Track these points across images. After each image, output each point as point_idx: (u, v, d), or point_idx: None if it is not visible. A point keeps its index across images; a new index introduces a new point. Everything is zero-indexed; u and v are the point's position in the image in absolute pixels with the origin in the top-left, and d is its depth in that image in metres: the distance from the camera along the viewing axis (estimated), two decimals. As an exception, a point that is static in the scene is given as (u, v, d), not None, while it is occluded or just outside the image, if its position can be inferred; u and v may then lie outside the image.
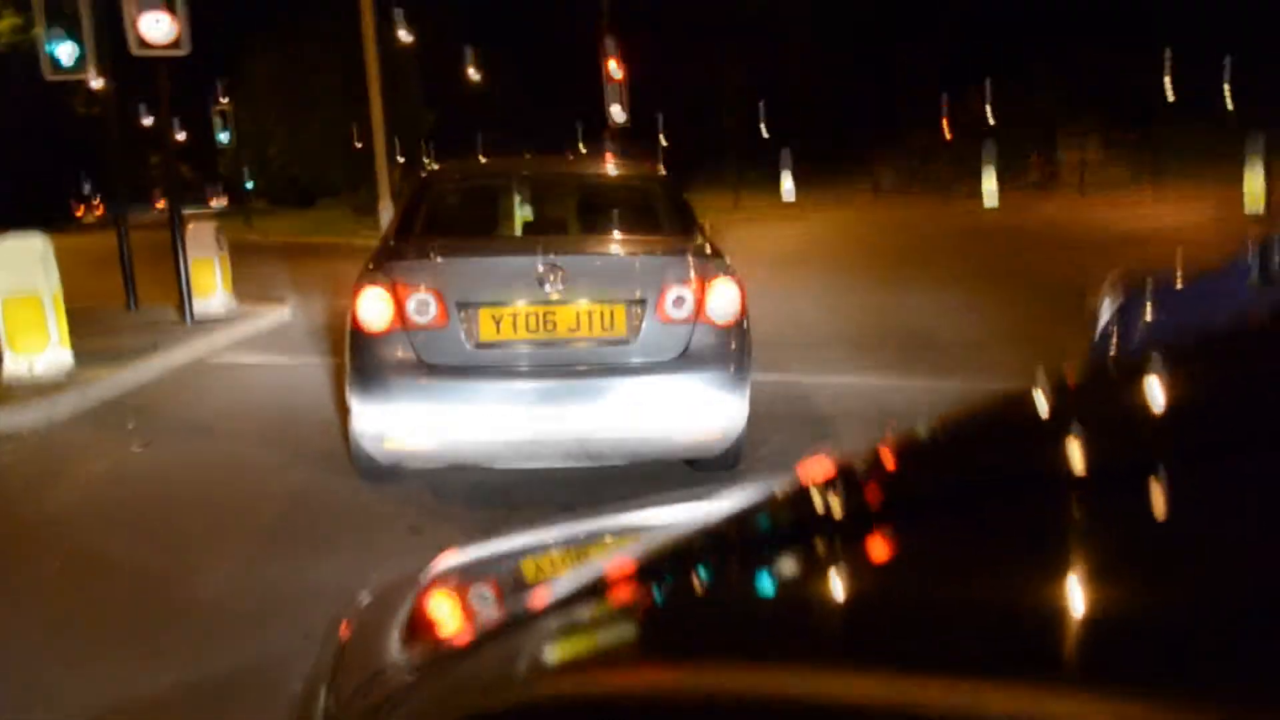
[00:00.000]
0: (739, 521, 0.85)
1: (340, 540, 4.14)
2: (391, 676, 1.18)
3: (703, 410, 4.21)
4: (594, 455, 4.28)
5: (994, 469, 0.68)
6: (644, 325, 4.20)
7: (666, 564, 0.84)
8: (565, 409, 4.13)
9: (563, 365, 4.21)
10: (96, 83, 10.83)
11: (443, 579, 1.59)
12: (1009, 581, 0.53)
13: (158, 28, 8.99)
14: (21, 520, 4.62)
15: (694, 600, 0.76)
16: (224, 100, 35.45)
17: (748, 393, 4.33)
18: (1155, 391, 0.63)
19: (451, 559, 1.67)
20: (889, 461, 0.75)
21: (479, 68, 37.59)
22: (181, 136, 38.08)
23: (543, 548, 1.64)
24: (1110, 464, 0.60)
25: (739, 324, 4.32)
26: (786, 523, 0.80)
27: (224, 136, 35.13)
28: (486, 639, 0.97)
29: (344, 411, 4.56)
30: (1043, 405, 0.70)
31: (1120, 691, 0.41)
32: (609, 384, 4.16)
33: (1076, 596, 0.50)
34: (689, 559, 0.83)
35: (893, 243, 17.76)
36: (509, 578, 1.52)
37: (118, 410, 6.66)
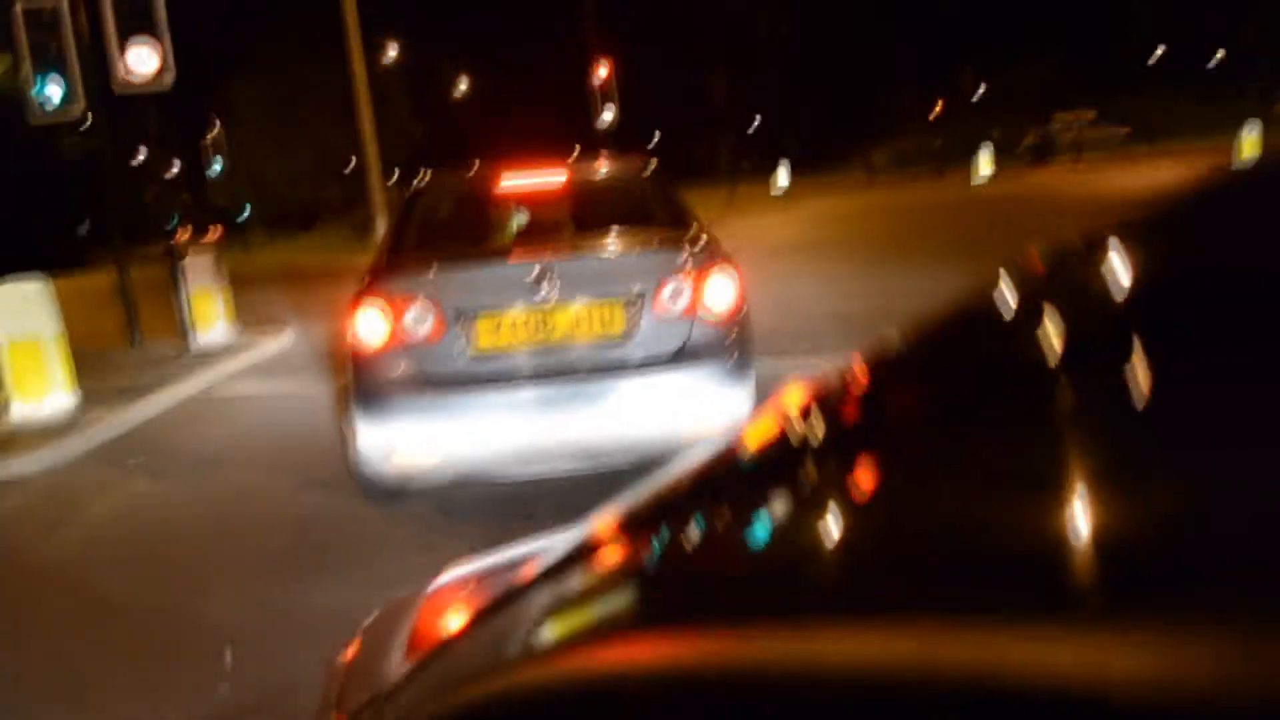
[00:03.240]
0: (724, 462, 0.82)
1: (351, 564, 4.11)
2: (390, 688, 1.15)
3: (706, 404, 4.17)
4: (599, 457, 4.25)
5: (973, 369, 0.65)
6: (642, 322, 4.16)
7: (653, 518, 0.81)
8: (568, 413, 4.10)
9: (563, 368, 4.17)
10: (85, 124, 10.84)
11: (446, 591, 1.57)
12: (1008, 498, 0.49)
13: (141, 63, 8.99)
14: (28, 563, 4.60)
15: (684, 557, 0.73)
16: (215, 132, 35.55)
17: (752, 382, 4.29)
18: (1124, 264, 0.59)
19: (456, 571, 1.65)
20: (866, 377, 0.71)
21: (467, 79, 37.65)
22: (175, 169, 38.17)
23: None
24: (1094, 345, 0.57)
25: (738, 315, 4.29)
26: (771, 458, 0.77)
27: (217, 167, 35.25)
28: (476, 622, 0.94)
29: (348, 433, 4.54)
30: (1013, 295, 0.67)
31: (1145, 622, 0.38)
32: (610, 384, 4.12)
33: (1081, 511, 0.46)
34: (676, 510, 0.80)
35: (887, 225, 17.73)
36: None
37: (124, 448, 6.66)
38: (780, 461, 0.75)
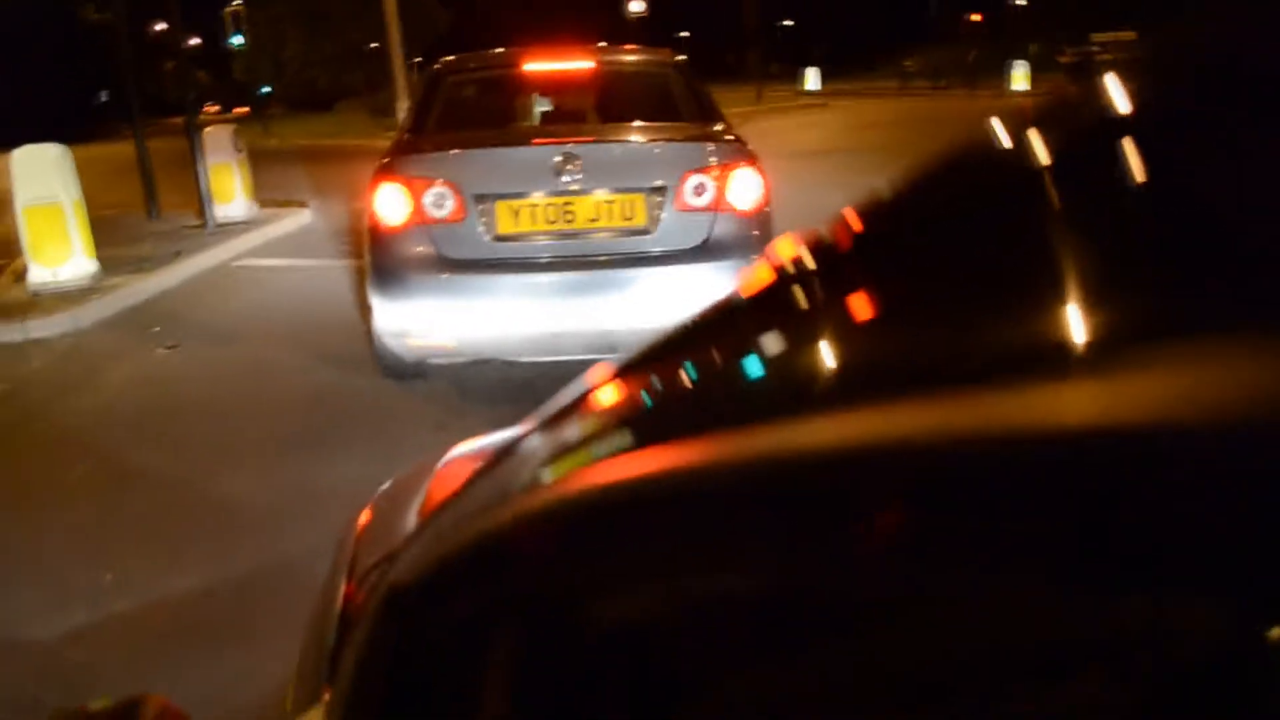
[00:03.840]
0: (718, 311, 0.83)
1: (365, 439, 4.16)
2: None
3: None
4: (617, 345, 4.25)
5: (968, 206, 0.65)
6: (664, 214, 4.12)
7: (648, 365, 0.82)
8: (586, 301, 4.09)
9: (583, 257, 4.15)
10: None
11: (457, 462, 1.58)
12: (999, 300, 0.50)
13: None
14: (48, 426, 4.66)
15: (680, 391, 0.74)
16: (236, 3, 34.88)
17: (772, 280, 4.26)
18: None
19: (468, 445, 1.66)
20: (857, 224, 0.71)
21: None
22: (195, 42, 37.58)
23: None
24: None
25: (762, 212, 4.24)
26: (764, 299, 0.77)
27: (237, 39, 34.68)
28: (479, 474, 0.95)
29: (367, 312, 4.55)
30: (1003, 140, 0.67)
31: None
32: (630, 275, 4.10)
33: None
34: (671, 355, 0.81)
35: (915, 133, 17.41)
36: None
37: (143, 316, 6.70)
38: (773, 299, 0.76)
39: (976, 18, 32.91)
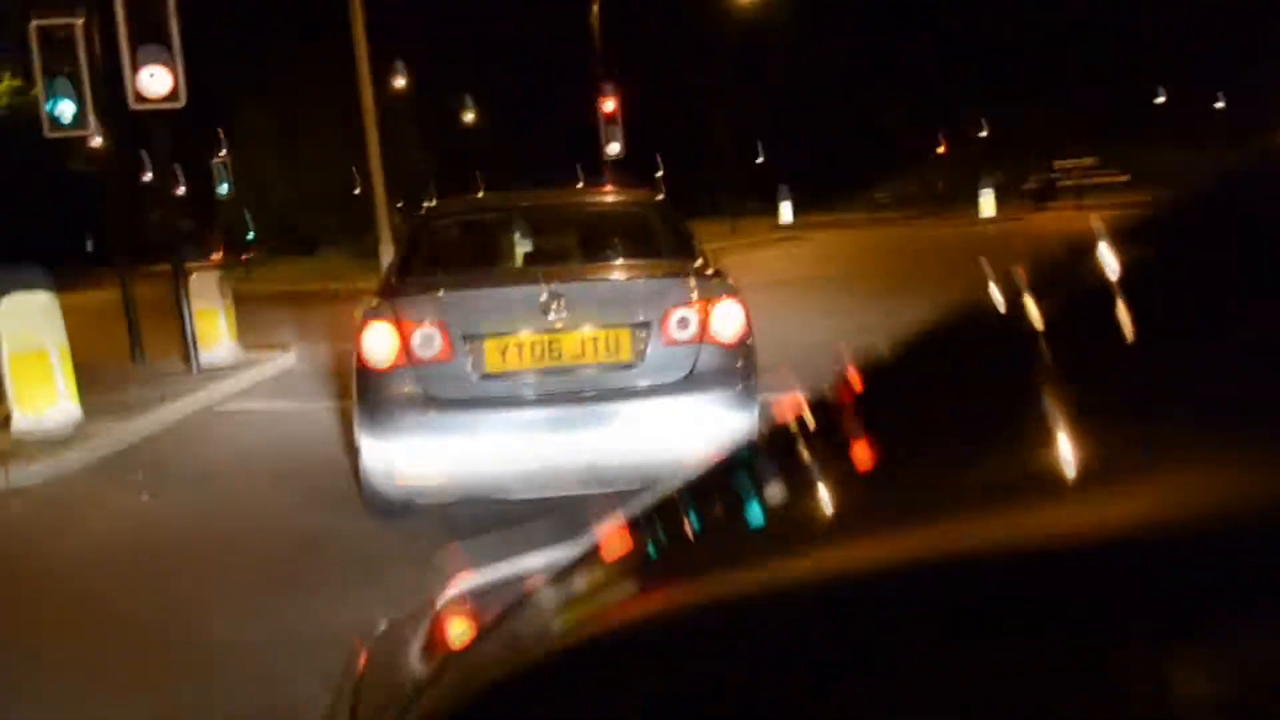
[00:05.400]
0: (724, 467, 0.86)
1: (354, 580, 4.11)
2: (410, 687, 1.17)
3: (712, 430, 4.19)
4: (605, 481, 4.27)
5: (965, 363, 0.69)
6: (649, 348, 4.20)
7: (655, 519, 0.85)
8: (574, 436, 4.13)
9: (570, 392, 4.20)
10: (96, 140, 10.92)
11: (458, 602, 1.58)
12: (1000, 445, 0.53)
13: (154, 81, 9.07)
14: (30, 571, 4.59)
15: (687, 543, 0.77)
16: (222, 154, 35.70)
17: (756, 410, 4.32)
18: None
19: (464, 585, 1.66)
20: (859, 384, 0.75)
21: (475, 111, 37.93)
22: (182, 190, 38.31)
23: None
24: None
25: (744, 343, 4.32)
26: (770, 457, 0.81)
27: (224, 189, 35.39)
28: (491, 627, 0.97)
29: (353, 452, 4.56)
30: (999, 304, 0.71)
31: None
32: (617, 408, 4.15)
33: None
34: (677, 509, 0.84)
35: (887, 262, 17.80)
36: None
37: (126, 462, 6.66)
38: (774, 458, 0.79)
39: (941, 150, 34.04)
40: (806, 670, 0.50)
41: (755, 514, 0.72)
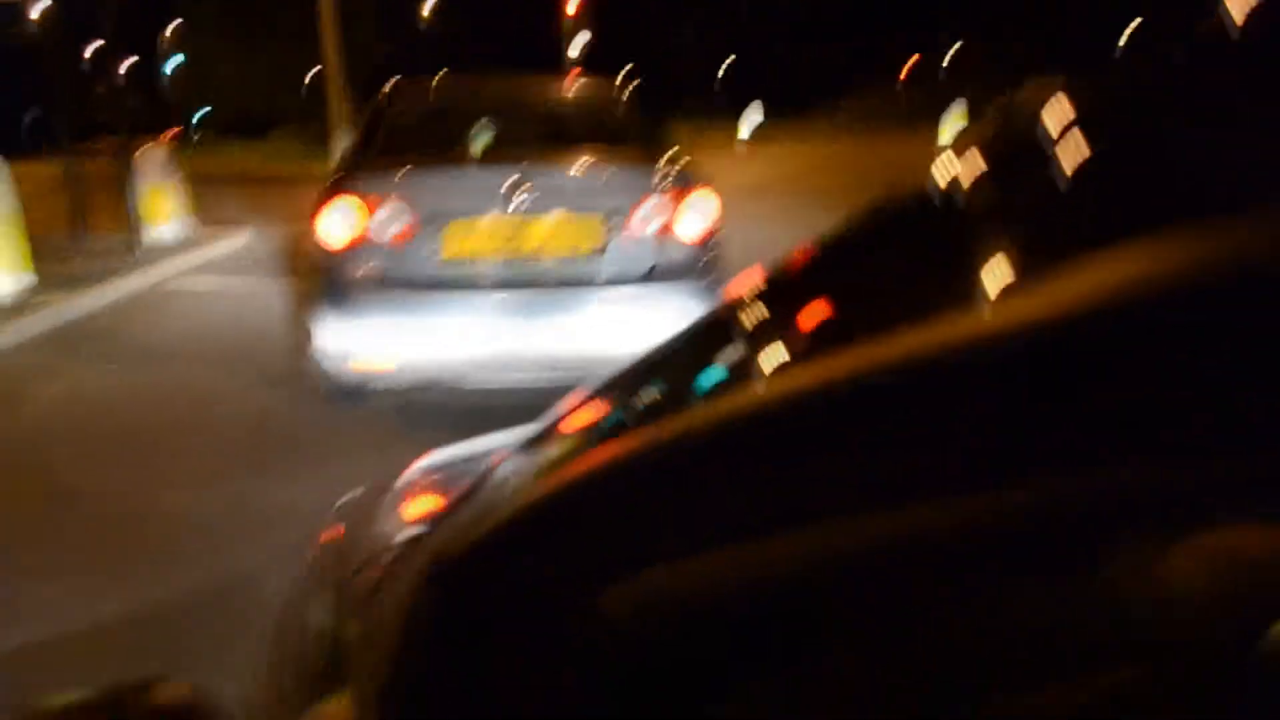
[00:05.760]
0: (679, 340, 0.95)
1: (305, 461, 4.08)
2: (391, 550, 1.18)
3: (674, 323, 4.15)
4: (563, 369, 4.21)
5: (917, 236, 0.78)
6: (615, 239, 4.12)
7: (615, 388, 0.90)
8: (534, 324, 4.07)
9: (532, 280, 4.13)
10: (35, 10, 10.41)
11: (427, 476, 1.59)
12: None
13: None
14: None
15: (646, 405, 0.83)
16: (171, 30, 34.49)
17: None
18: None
19: (427, 461, 1.67)
20: (808, 258, 0.84)
21: (437, 10, 36.92)
22: (129, 65, 37.05)
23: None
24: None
25: (712, 239, 4.26)
26: (725, 326, 0.87)
27: (171, 65, 34.27)
28: (462, 498, 0.99)
29: (307, 333, 4.47)
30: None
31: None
32: (578, 298, 4.09)
33: None
34: (636, 378, 0.90)
35: (846, 178, 17.78)
36: None
37: (76, 335, 6.54)
38: (726, 331, 0.86)
39: (912, 64, 33.83)
40: (760, 481, 0.55)
41: (710, 373, 0.79)
